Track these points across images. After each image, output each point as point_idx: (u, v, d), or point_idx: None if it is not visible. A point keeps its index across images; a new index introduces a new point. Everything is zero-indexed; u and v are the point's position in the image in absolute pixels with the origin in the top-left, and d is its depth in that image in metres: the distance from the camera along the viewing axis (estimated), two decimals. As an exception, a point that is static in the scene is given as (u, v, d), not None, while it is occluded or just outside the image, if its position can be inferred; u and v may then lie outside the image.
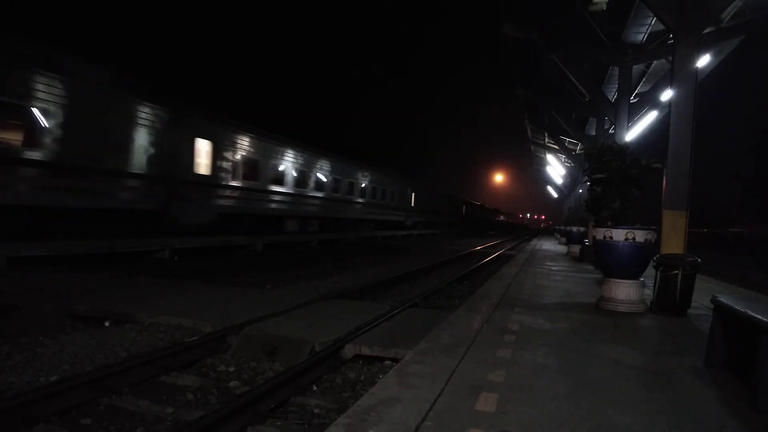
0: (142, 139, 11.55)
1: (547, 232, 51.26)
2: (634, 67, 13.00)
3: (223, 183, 14.38)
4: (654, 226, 5.16)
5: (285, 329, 4.40)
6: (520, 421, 2.19)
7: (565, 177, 32.70)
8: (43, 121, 9.38)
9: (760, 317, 2.50)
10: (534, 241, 26.36)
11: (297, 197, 18.60)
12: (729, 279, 9.17)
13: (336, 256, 14.02)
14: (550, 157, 32.90)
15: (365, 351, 4.07)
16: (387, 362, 3.96)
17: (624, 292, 5.01)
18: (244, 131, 15.44)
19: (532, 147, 33.17)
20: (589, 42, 12.61)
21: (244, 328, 4.41)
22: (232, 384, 3.52)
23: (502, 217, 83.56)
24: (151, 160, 11.76)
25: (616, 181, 5.26)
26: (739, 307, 2.77)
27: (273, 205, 17.04)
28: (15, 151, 8.99)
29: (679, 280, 4.76)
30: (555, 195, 50.12)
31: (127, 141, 11.22)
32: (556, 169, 34.52)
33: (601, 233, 5.07)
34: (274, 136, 17.30)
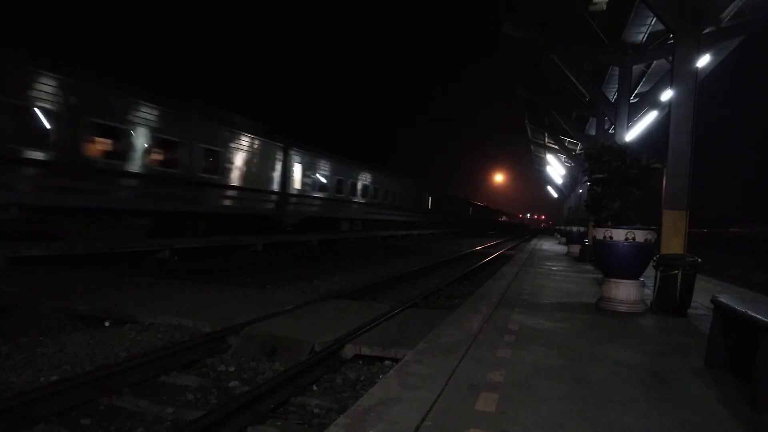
0: (269, 166, 16.86)
1: (547, 232, 51.24)
2: (634, 67, 12.99)
3: (307, 195, 19.54)
4: (654, 226, 5.16)
5: (285, 329, 4.40)
6: (520, 421, 2.19)
7: (565, 177, 32.68)
8: (232, 161, 15.02)
9: (760, 317, 2.50)
10: (534, 241, 26.36)
11: (349, 204, 23.76)
12: (729, 279, 9.16)
13: (336, 256, 14.02)
14: (550, 157, 32.88)
15: (365, 351, 4.07)
16: (387, 362, 3.96)
17: (624, 292, 5.01)
18: (319, 155, 20.51)
19: (532, 147, 33.14)
20: (589, 42, 12.60)
21: (244, 328, 4.41)
22: (232, 384, 3.52)
23: (504, 218, 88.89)
24: (273, 180, 17.09)
25: (616, 181, 5.25)
26: (739, 307, 2.77)
27: (334, 210, 22.18)
28: (225, 180, 14.84)
29: (679, 280, 4.76)
30: (555, 195, 50.08)
31: (263, 169, 16.52)
32: (556, 169, 34.50)
33: (601, 233, 5.07)
34: (336, 156, 22.30)
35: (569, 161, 26.87)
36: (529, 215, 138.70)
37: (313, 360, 3.74)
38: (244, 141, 15.52)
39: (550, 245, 20.81)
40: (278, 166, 17.34)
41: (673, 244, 6.06)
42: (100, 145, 11.02)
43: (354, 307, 5.69)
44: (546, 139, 27.37)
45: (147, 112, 11.89)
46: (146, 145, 11.99)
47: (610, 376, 2.88)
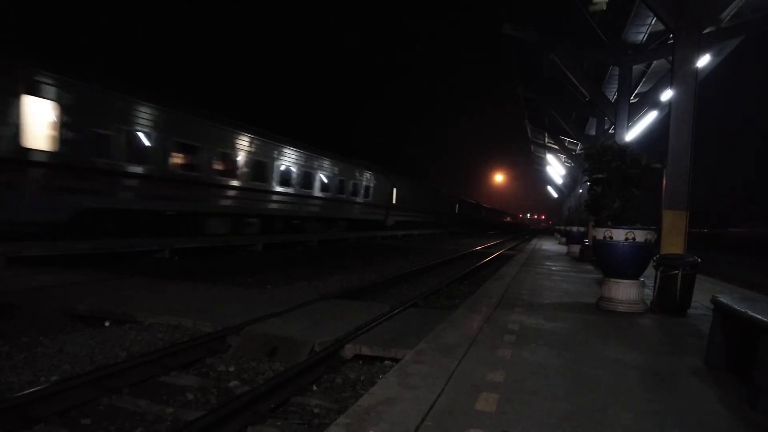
0: (381, 190, 27.73)
1: (547, 232, 51.26)
2: (634, 67, 12.99)
3: (400, 207, 31.34)
4: (654, 226, 5.16)
5: (285, 329, 4.40)
6: (520, 420, 2.19)
7: (565, 177, 32.70)
8: (375, 190, 26.43)
9: (760, 317, 2.50)
10: (534, 241, 26.36)
11: (422, 212, 36.61)
12: (729, 279, 9.17)
13: (336, 256, 14.02)
14: (550, 157, 32.90)
15: (365, 351, 4.07)
16: (387, 362, 3.96)
17: (624, 292, 5.01)
18: (406, 181, 32.77)
19: (532, 147, 33.16)
20: (589, 42, 12.61)
21: (244, 328, 4.41)
22: (232, 384, 3.52)
23: (508, 218, 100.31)
24: (383, 198, 27.99)
25: (616, 181, 5.25)
26: (739, 307, 2.77)
27: (411, 216, 34.05)
28: (372, 201, 26.52)
29: (679, 280, 4.76)
30: (555, 195, 50.13)
31: (380, 192, 27.47)
32: (556, 169, 34.52)
33: (601, 233, 5.07)
34: (414, 182, 35.74)
35: (569, 161, 26.89)
36: (529, 215, 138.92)
37: (313, 360, 3.74)
38: (376, 177, 26.74)
39: (550, 245, 20.81)
40: (386, 190, 28.78)
41: (673, 244, 6.06)
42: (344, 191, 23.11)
43: (354, 307, 5.69)
44: (546, 139, 27.37)
45: (359, 173, 24.53)
46: (362, 189, 24.89)
47: (610, 376, 2.88)
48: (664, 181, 6.27)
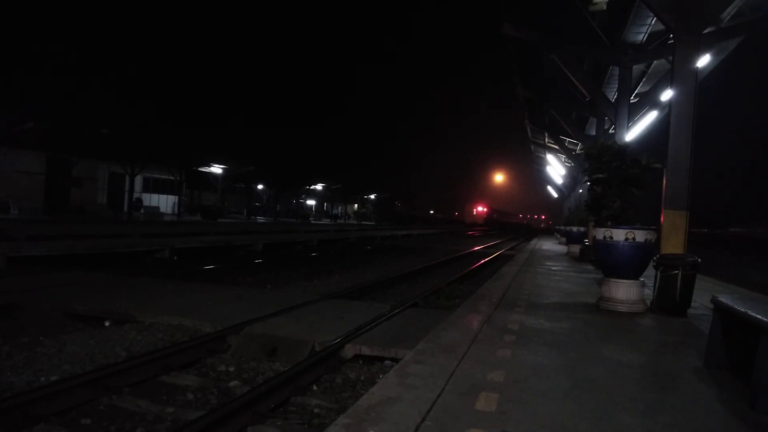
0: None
1: (547, 232, 51.27)
2: (634, 67, 13.00)
3: (500, 211, 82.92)
4: (654, 226, 5.16)
5: (285, 329, 4.40)
6: (520, 420, 2.19)
7: (565, 177, 32.71)
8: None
9: (760, 317, 2.50)
10: (534, 241, 26.36)
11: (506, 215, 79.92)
12: (729, 279, 9.17)
13: (336, 256, 14.02)
14: (550, 157, 32.92)
15: (365, 351, 4.07)
16: (387, 362, 3.95)
17: (624, 292, 5.01)
18: (497, 208, 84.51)
19: (532, 147, 33.21)
20: (589, 42, 12.61)
21: (244, 328, 4.40)
22: (232, 384, 3.51)
23: (525, 221, 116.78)
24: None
25: (616, 181, 5.26)
26: (739, 307, 2.77)
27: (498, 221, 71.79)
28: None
29: (679, 280, 4.76)
30: (555, 195, 50.18)
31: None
32: (556, 169, 34.54)
33: (601, 233, 5.07)
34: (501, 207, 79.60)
35: (569, 161, 26.89)
36: (529, 215, 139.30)
37: (313, 360, 3.74)
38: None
39: (550, 245, 20.81)
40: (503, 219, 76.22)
41: (673, 244, 6.06)
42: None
43: (354, 307, 5.69)
44: (546, 139, 27.40)
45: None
46: None
47: (610, 376, 2.88)
48: (664, 181, 6.27)
